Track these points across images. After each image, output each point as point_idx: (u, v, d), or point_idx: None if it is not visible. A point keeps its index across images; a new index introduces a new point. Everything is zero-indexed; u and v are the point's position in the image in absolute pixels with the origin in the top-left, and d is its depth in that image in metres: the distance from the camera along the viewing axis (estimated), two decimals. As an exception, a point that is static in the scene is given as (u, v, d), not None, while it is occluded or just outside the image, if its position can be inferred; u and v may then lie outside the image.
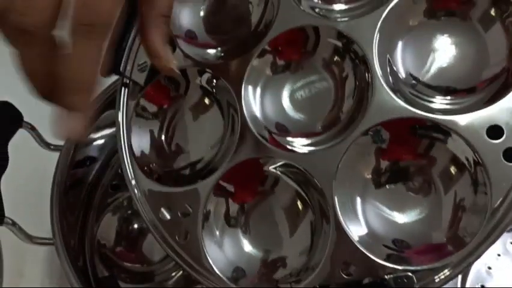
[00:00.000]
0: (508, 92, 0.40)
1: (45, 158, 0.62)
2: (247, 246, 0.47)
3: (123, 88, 0.52)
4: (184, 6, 0.52)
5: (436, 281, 0.40)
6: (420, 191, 0.43)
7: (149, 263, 0.61)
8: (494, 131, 0.40)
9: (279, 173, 0.46)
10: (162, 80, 0.51)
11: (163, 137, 0.52)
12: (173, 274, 0.59)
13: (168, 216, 0.48)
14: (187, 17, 0.52)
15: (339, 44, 0.46)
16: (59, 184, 0.59)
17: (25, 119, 0.59)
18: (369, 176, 0.44)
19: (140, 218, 0.57)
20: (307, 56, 0.47)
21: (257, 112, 0.48)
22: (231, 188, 0.47)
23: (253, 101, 0.48)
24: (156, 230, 0.48)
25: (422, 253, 0.41)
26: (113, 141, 0.66)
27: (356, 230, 0.42)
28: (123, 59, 0.51)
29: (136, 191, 0.50)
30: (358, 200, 0.44)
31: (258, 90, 0.48)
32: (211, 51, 0.51)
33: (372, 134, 0.43)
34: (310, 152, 0.45)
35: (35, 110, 0.58)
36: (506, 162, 0.39)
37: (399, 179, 0.44)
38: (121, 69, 0.51)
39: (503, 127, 0.40)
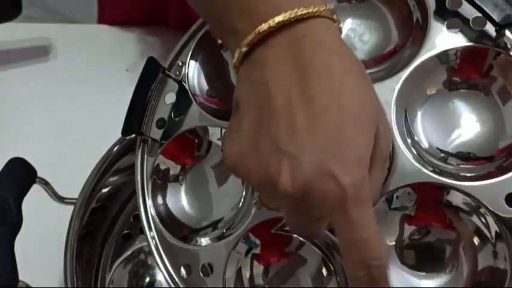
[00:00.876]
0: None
1: (57, 212, 0.62)
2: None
3: (141, 145, 0.53)
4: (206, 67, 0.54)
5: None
6: (445, 263, 0.44)
7: None
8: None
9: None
10: (186, 134, 0.51)
11: (183, 195, 0.53)
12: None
13: (188, 274, 0.49)
14: (208, 77, 0.54)
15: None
16: (73, 234, 0.60)
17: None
18: (393, 243, 0.45)
19: (151, 269, 0.58)
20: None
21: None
22: (256, 247, 0.47)
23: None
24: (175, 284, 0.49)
25: None
26: (126, 188, 0.68)
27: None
28: (142, 119, 0.52)
29: (155, 249, 0.50)
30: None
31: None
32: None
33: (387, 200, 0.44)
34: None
35: (47, 165, 0.60)
36: (525, 230, 0.41)
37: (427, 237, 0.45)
38: (140, 130, 0.52)
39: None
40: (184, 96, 0.53)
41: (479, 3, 0.44)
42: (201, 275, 0.48)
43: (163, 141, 0.52)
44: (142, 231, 0.62)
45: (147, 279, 0.63)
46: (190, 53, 0.54)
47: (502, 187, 0.42)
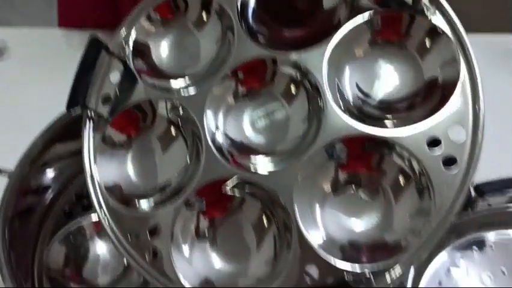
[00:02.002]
0: (443, 108, 0.46)
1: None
2: (216, 259, 0.49)
3: (88, 121, 0.55)
4: (149, 44, 0.57)
5: (392, 277, 0.44)
6: (373, 199, 0.47)
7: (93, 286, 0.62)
8: (434, 142, 0.46)
9: (246, 191, 0.50)
10: (132, 108, 0.53)
11: (130, 165, 0.55)
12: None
13: (136, 238, 0.50)
14: (151, 54, 0.57)
15: (295, 74, 0.51)
16: (6, 211, 0.60)
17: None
18: (328, 187, 0.48)
19: (89, 243, 0.61)
20: (266, 84, 0.52)
21: (219, 137, 0.51)
22: (201, 204, 0.50)
23: (215, 126, 0.52)
24: (126, 251, 0.50)
25: (377, 253, 0.45)
26: (68, 170, 0.69)
27: (316, 237, 0.46)
28: (87, 92, 0.54)
29: (104, 217, 0.52)
30: (317, 209, 0.48)
31: (220, 116, 0.52)
32: (174, 82, 0.55)
33: (327, 151, 0.48)
34: (271, 172, 0.49)
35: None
36: (445, 169, 0.45)
37: (355, 189, 0.48)
38: (85, 103, 0.54)
39: (441, 138, 0.45)
40: (128, 74, 0.55)
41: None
42: (149, 237, 0.50)
43: (109, 117, 0.54)
44: (84, 208, 0.67)
45: (85, 253, 0.63)
46: (134, 32, 0.56)
47: (423, 133, 0.46)
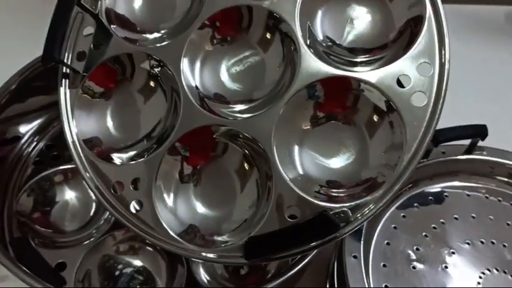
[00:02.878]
0: (411, 47, 0.47)
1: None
2: (199, 205, 0.51)
3: (63, 77, 0.55)
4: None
5: (366, 212, 0.46)
6: (349, 137, 0.49)
7: (61, 231, 0.64)
8: (404, 80, 0.47)
9: (227, 140, 0.51)
10: (109, 62, 0.54)
11: (109, 118, 0.55)
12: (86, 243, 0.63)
13: (120, 191, 0.51)
14: (123, 6, 0.57)
15: (269, 21, 0.52)
16: None
17: None
18: (306, 126, 0.50)
19: (58, 190, 0.64)
20: (242, 32, 0.53)
21: (197, 84, 0.52)
22: (185, 151, 0.51)
23: (193, 74, 0.52)
24: (109, 204, 0.51)
25: (354, 189, 0.47)
26: (41, 121, 0.72)
27: (295, 177, 0.48)
28: (62, 47, 0.54)
29: (85, 172, 0.52)
30: (296, 150, 0.49)
31: (198, 64, 0.53)
32: (150, 35, 0.56)
33: (307, 91, 0.49)
34: (249, 117, 0.50)
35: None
36: (415, 105, 0.47)
37: (331, 128, 0.50)
38: (61, 58, 0.54)
39: (410, 76, 0.47)
40: (101, 28, 0.55)
41: None
42: (131, 188, 0.51)
43: (84, 72, 0.55)
44: (54, 158, 0.70)
45: (53, 199, 0.65)
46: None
47: (393, 72, 0.47)
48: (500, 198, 0.63)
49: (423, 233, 0.59)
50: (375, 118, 0.49)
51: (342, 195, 0.47)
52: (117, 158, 0.53)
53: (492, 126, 0.62)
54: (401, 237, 0.59)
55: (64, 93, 0.55)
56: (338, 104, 0.50)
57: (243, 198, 0.50)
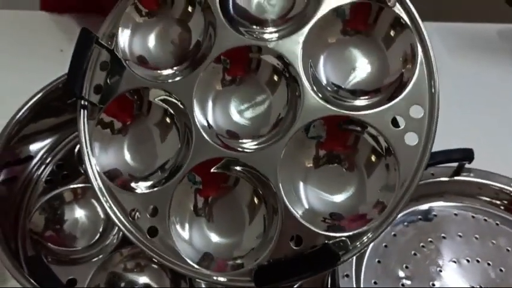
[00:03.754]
0: (403, 91, 0.52)
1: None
2: (213, 234, 0.55)
3: (82, 110, 0.59)
4: (135, 35, 0.61)
5: (364, 241, 0.51)
6: (349, 175, 0.54)
7: (72, 248, 0.68)
8: (397, 121, 0.52)
9: (239, 173, 0.55)
10: (124, 96, 0.58)
11: (127, 150, 0.60)
12: (95, 259, 0.67)
13: (137, 217, 0.56)
14: (138, 44, 0.61)
15: (277, 64, 0.57)
16: None
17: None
18: (309, 164, 0.55)
19: (68, 209, 0.68)
20: (251, 73, 0.58)
21: (210, 122, 0.57)
22: (198, 183, 0.55)
23: (204, 113, 0.57)
24: (127, 230, 0.56)
25: (353, 221, 0.52)
26: (52, 141, 0.76)
27: (299, 209, 0.53)
28: (83, 85, 0.58)
29: (106, 201, 0.57)
30: (300, 185, 0.54)
31: (209, 103, 0.57)
32: (163, 72, 0.60)
33: (305, 131, 0.54)
34: (256, 150, 0.55)
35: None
36: (408, 144, 0.52)
37: (333, 166, 0.55)
38: (82, 94, 0.58)
39: (403, 117, 0.52)
40: (116, 63, 0.60)
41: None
42: (148, 216, 0.55)
43: (101, 104, 0.59)
44: (63, 177, 0.74)
45: (64, 218, 0.69)
46: (121, 22, 0.60)
47: (388, 113, 0.52)
48: (485, 218, 0.68)
49: (413, 252, 0.65)
50: (373, 158, 0.54)
51: (343, 225, 0.52)
52: (135, 187, 0.57)
53: (479, 148, 0.68)
54: (391, 256, 0.64)
55: (83, 125, 0.59)
56: (338, 143, 0.55)
57: (252, 228, 0.55)
